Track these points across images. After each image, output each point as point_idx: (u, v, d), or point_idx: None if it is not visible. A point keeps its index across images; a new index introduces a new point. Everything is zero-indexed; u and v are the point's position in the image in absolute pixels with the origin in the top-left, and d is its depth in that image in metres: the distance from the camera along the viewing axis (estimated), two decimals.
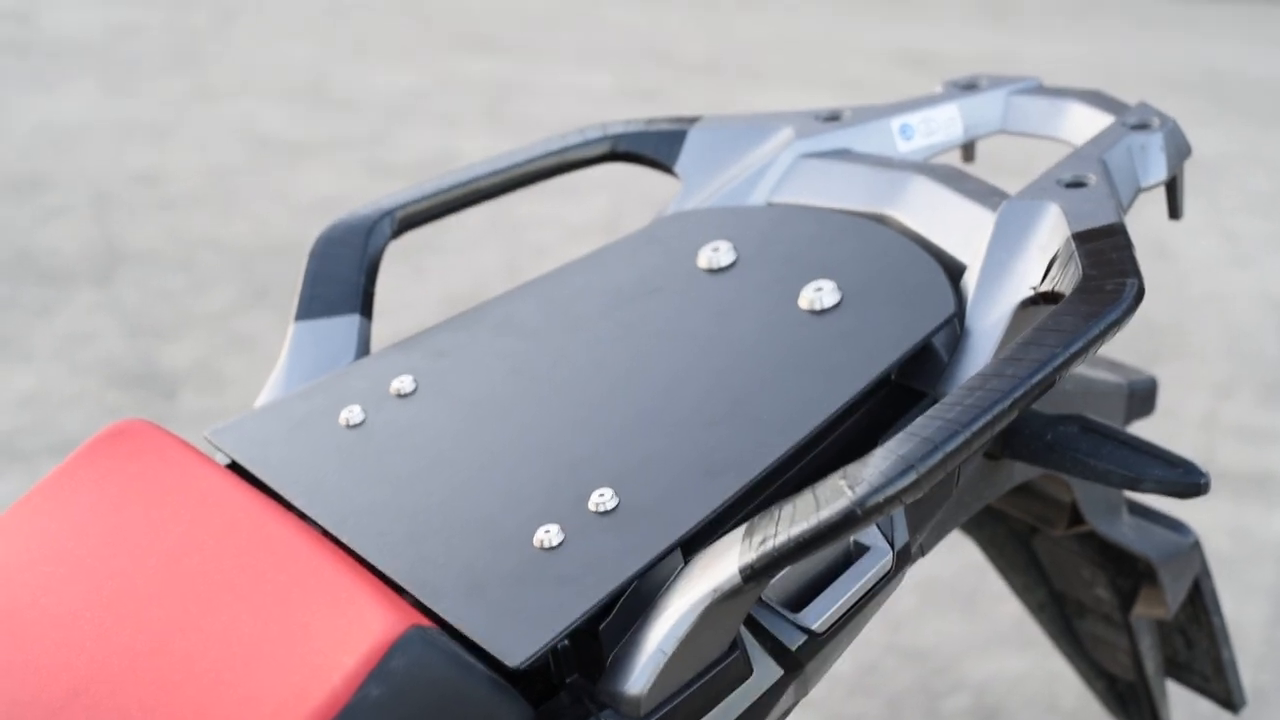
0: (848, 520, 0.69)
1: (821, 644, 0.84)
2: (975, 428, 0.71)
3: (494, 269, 3.96)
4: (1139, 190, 0.98)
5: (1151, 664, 1.29)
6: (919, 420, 0.72)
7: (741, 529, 0.75)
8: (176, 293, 3.79)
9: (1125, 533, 1.14)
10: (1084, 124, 1.07)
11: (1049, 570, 1.30)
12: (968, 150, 1.15)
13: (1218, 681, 1.30)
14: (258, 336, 3.54)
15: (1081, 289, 0.81)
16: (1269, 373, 3.28)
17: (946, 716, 2.24)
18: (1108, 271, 0.82)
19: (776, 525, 0.72)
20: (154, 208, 4.42)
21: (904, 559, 0.87)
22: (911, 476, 0.69)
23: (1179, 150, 1.01)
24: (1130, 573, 1.21)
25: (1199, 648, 1.28)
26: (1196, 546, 1.19)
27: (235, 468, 0.94)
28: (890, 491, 0.69)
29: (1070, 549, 1.24)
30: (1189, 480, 0.87)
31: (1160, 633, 1.30)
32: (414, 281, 3.84)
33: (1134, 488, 0.88)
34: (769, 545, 0.72)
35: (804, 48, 6.74)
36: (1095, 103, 1.07)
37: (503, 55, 6.43)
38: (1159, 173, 1.00)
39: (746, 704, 0.81)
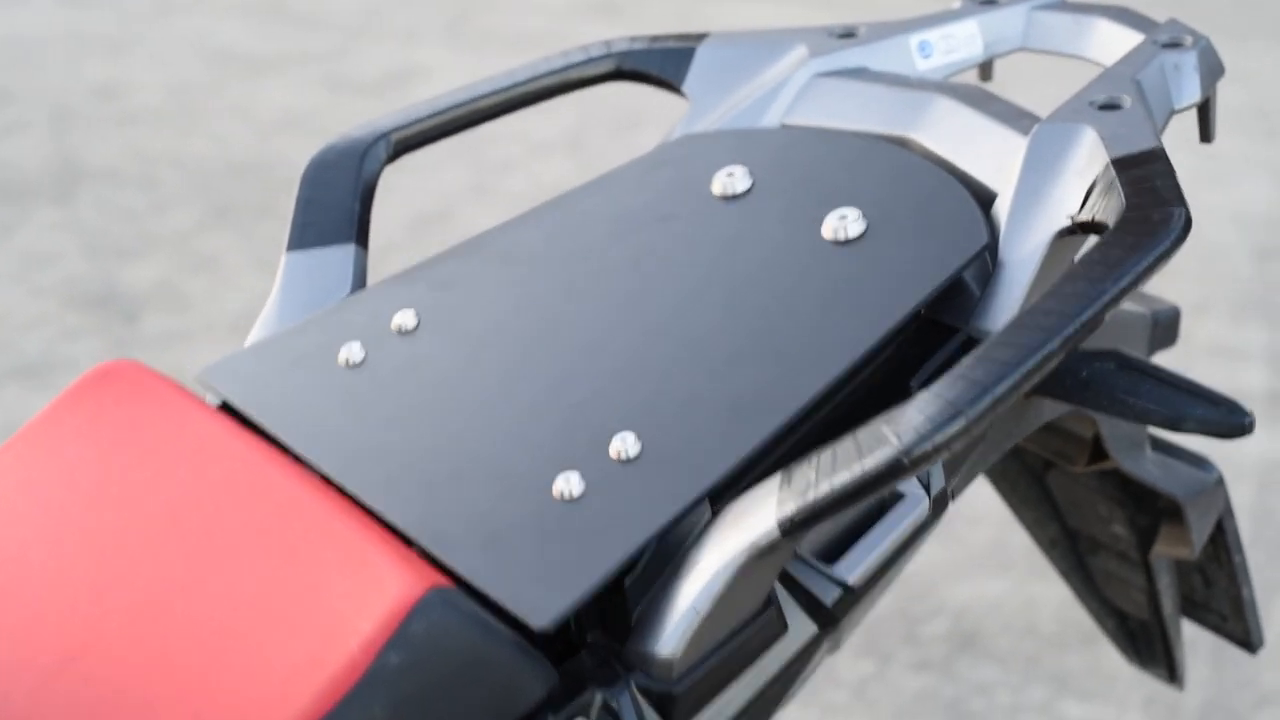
0: (894, 470, 0.65)
1: (857, 598, 0.80)
2: (1025, 369, 0.67)
3: (460, 187, 3.90)
4: (1173, 112, 0.94)
5: (1169, 603, 1.26)
6: (965, 361, 0.68)
7: (776, 478, 0.70)
8: (137, 211, 3.71)
9: (1150, 470, 1.10)
10: (1110, 42, 1.02)
11: (1063, 506, 1.26)
12: (985, 69, 1.10)
13: (1236, 621, 1.27)
14: (220, 256, 3.48)
15: (1127, 219, 0.76)
16: (1241, 292, 3.25)
17: (925, 641, 2.21)
18: (1152, 200, 0.77)
19: (816, 475, 0.68)
20: (113, 124, 4.33)
21: (940, 506, 0.83)
22: (961, 423, 0.65)
23: (1212, 70, 0.96)
24: (1150, 510, 1.18)
25: (1218, 587, 1.25)
26: (1220, 483, 1.15)
27: (228, 409, 0.88)
28: (939, 439, 0.65)
29: (1088, 485, 1.20)
30: (1233, 420, 0.83)
31: (1178, 571, 1.27)
32: (378, 202, 3.76)
33: (1175, 428, 0.84)
34: (809, 497, 0.67)
35: None
36: (1121, 19, 1.02)
37: None
38: (1193, 94, 0.95)
39: (781, 663, 0.77)
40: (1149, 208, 0.77)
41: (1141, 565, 1.23)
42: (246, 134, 4.32)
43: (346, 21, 5.48)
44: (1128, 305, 1.07)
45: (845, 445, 0.67)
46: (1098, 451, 1.08)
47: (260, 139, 4.26)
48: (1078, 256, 0.89)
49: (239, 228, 3.64)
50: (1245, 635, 1.28)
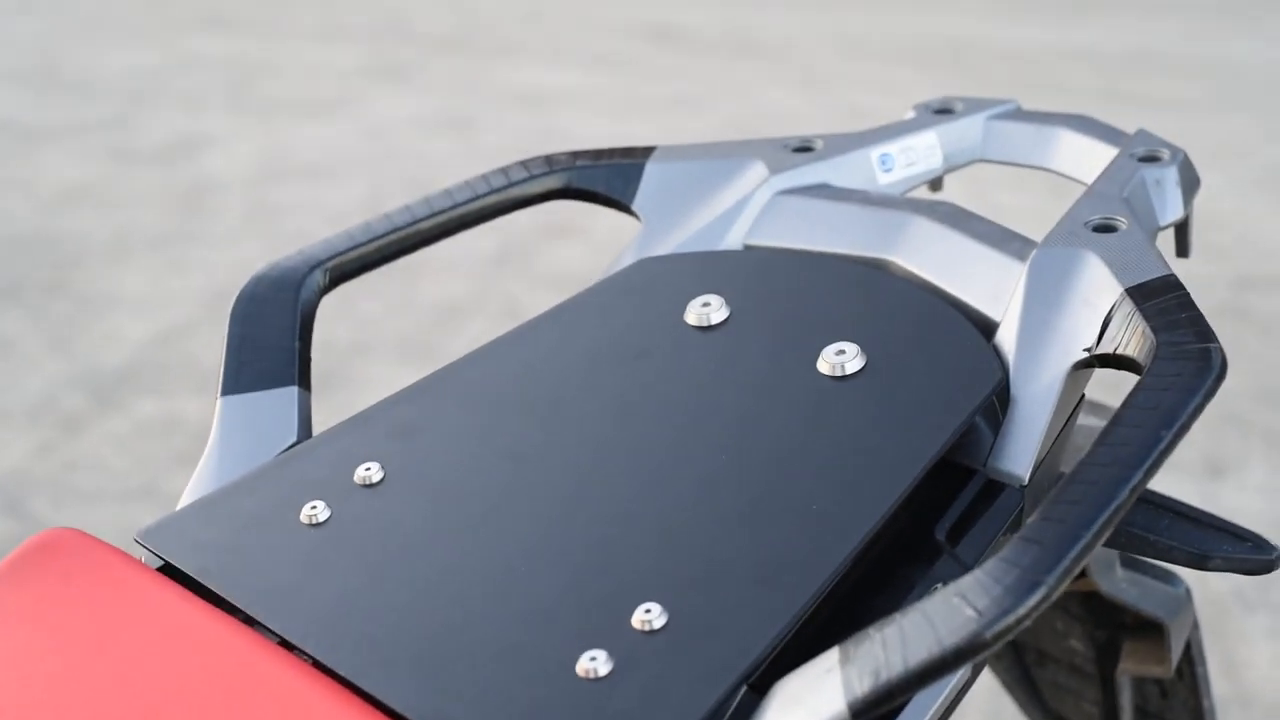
0: (976, 646, 0.60)
1: None
2: (1097, 527, 0.63)
3: None
4: (1157, 231, 0.91)
5: (1127, 717, 1.24)
6: (1031, 523, 0.63)
7: (833, 655, 0.65)
8: None
9: (1126, 590, 1.07)
10: (1075, 153, 0.99)
11: None
12: (935, 181, 1.07)
13: None
14: (14, 340, 3.33)
15: (1163, 358, 0.73)
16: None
17: None
18: (1184, 336, 0.74)
19: (885, 651, 0.62)
20: None
21: (981, 662, 0.78)
22: (1041, 592, 0.60)
23: (1191, 184, 0.94)
24: (1108, 624, 1.15)
25: (1176, 698, 1.22)
26: (1189, 596, 1.13)
27: (169, 572, 0.79)
28: (1021, 611, 0.60)
29: None
30: (1261, 557, 0.80)
31: (1134, 683, 1.24)
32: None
33: (1200, 566, 0.81)
34: (883, 677, 0.62)
35: (552, 23, 6.65)
36: (1085, 129, 0.99)
37: (241, 33, 6.21)
38: (1176, 211, 0.92)
39: None
40: (1182, 344, 0.73)
41: (1098, 679, 1.20)
42: (28, 208, 4.16)
43: (124, 89, 5.34)
44: (1088, 419, 1.04)
45: (913, 618, 0.62)
46: None
47: (44, 213, 4.11)
48: (1087, 389, 0.86)
49: (30, 307, 3.49)
50: None
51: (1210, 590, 2.42)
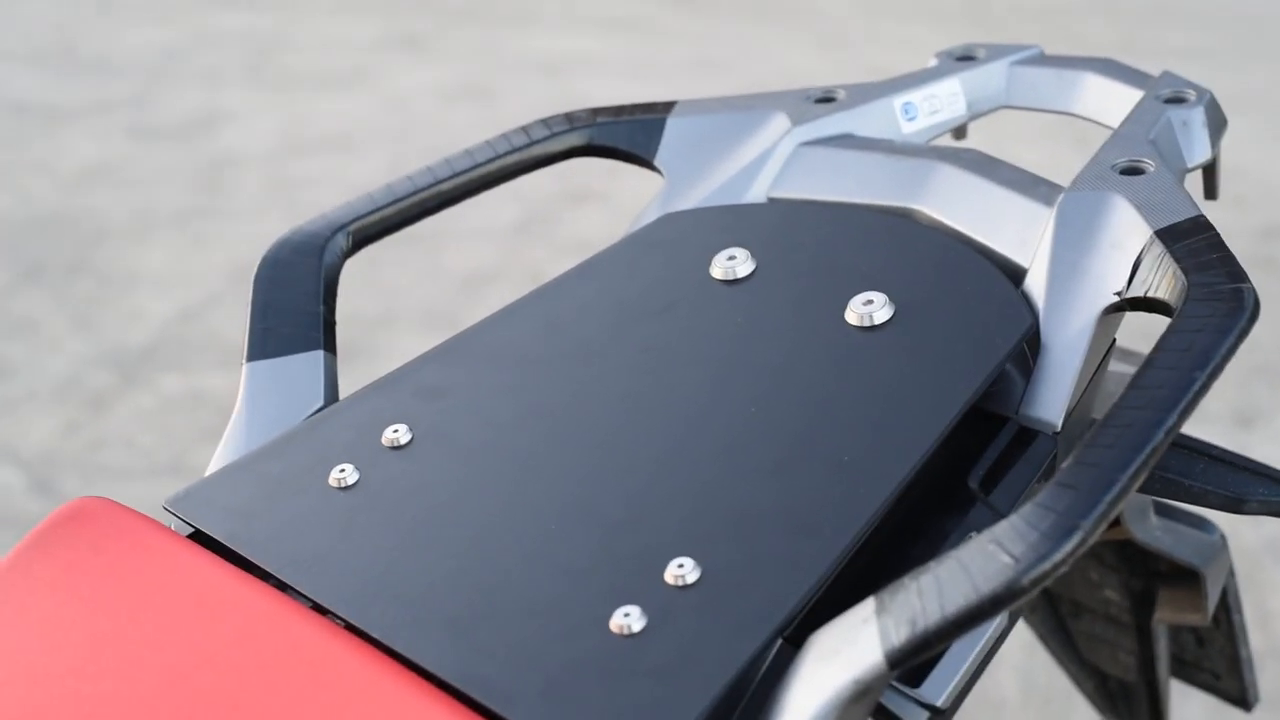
0: (1013, 593, 0.59)
1: None
2: (1132, 471, 0.62)
3: None
4: (1185, 172, 0.90)
5: (1164, 666, 1.23)
6: (1066, 469, 0.63)
7: (869, 605, 0.64)
8: None
9: (1161, 538, 1.06)
10: (1099, 97, 0.98)
11: None
12: (959, 129, 1.06)
13: (1230, 679, 1.24)
14: (38, 319, 3.33)
15: (1194, 299, 0.72)
16: None
17: None
18: (1215, 277, 0.73)
19: (921, 601, 0.62)
20: None
21: (1016, 613, 0.77)
22: (1077, 537, 0.59)
23: (1218, 124, 0.93)
24: (1143, 573, 1.14)
25: (1213, 646, 1.21)
26: (1225, 542, 1.12)
27: (199, 539, 0.79)
28: (1058, 557, 0.59)
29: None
30: None
31: (1170, 632, 1.23)
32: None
33: (1236, 510, 0.80)
34: (920, 626, 0.61)
35: None
36: (1110, 72, 0.98)
37: (258, 8, 6.19)
38: (1204, 152, 0.91)
39: None
40: (1214, 284, 0.72)
41: (1134, 629, 1.20)
42: (50, 188, 4.16)
43: (143, 66, 5.33)
44: (1119, 366, 1.04)
45: (948, 566, 0.61)
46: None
47: (65, 193, 4.11)
48: (1117, 333, 0.85)
49: (53, 287, 3.49)
50: (1240, 693, 1.25)
51: (1242, 541, 2.40)
